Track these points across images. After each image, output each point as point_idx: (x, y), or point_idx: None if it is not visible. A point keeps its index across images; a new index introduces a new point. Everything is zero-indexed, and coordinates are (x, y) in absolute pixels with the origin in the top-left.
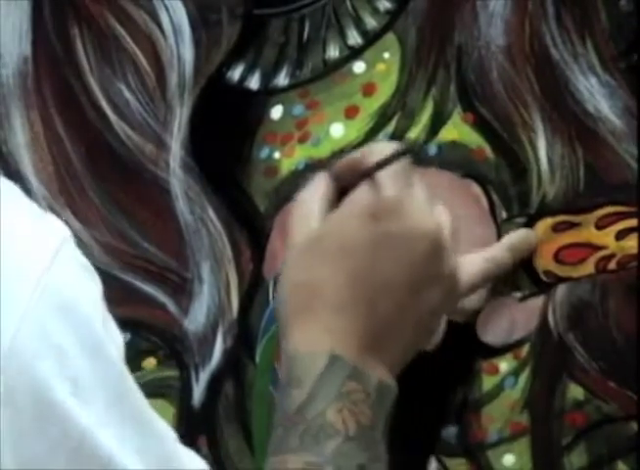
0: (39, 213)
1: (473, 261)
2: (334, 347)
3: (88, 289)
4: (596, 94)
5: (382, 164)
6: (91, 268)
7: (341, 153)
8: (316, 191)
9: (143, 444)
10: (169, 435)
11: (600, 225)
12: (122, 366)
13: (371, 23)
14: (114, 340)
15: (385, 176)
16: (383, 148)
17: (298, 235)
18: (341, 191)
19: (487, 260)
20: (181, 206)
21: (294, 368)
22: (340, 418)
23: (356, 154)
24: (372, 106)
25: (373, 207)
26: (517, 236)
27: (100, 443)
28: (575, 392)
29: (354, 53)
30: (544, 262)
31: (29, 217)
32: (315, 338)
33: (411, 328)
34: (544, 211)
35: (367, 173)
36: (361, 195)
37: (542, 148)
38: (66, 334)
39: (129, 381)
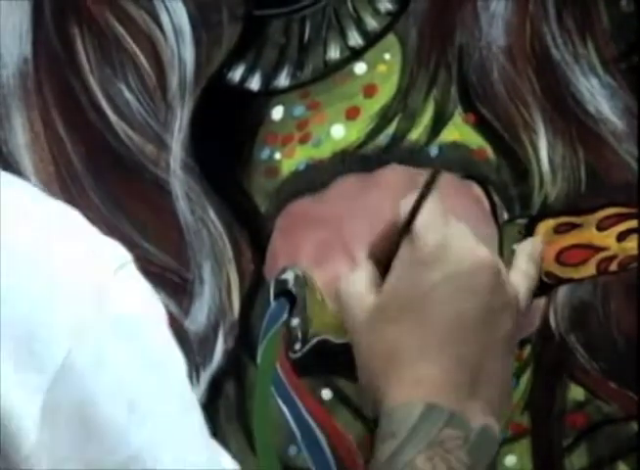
0: (102, 238)
1: (518, 281)
2: (428, 396)
3: (149, 306)
4: (597, 95)
5: (412, 215)
6: (153, 291)
7: (341, 154)
8: (358, 272)
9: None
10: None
11: (601, 226)
12: (185, 385)
13: (372, 23)
14: (178, 358)
15: (419, 227)
16: (407, 203)
17: (357, 314)
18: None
19: (527, 277)
20: (182, 206)
21: (390, 422)
22: (429, 466)
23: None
24: (373, 107)
25: (421, 259)
26: (532, 246)
27: (152, 460)
28: (576, 392)
29: (355, 54)
30: (545, 264)
31: (91, 241)
32: (408, 389)
33: (499, 362)
34: (546, 212)
35: (402, 233)
36: (405, 254)
37: (543, 149)
38: (124, 351)
39: (190, 400)
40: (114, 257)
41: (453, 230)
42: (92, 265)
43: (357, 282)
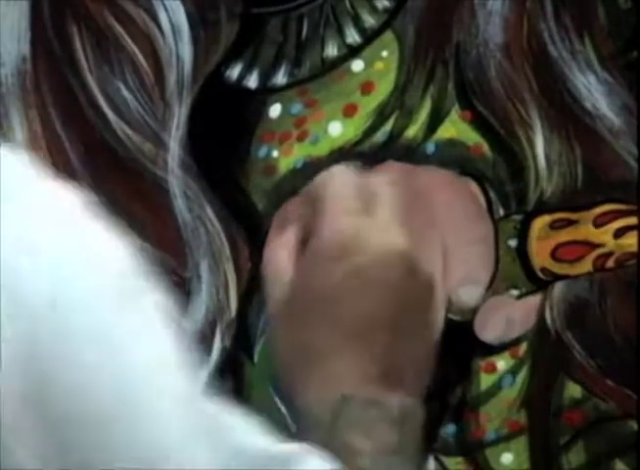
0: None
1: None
2: (343, 388)
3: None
4: (594, 92)
5: None
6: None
7: (339, 151)
8: (283, 240)
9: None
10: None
11: (598, 223)
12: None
13: (369, 21)
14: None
15: (333, 207)
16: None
17: (275, 293)
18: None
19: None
20: (179, 204)
21: (308, 416)
22: (367, 443)
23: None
24: (370, 104)
25: (331, 248)
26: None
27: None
28: (573, 390)
29: (353, 51)
30: (541, 260)
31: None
32: (320, 386)
33: (413, 344)
34: (542, 208)
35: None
36: (318, 238)
37: (540, 145)
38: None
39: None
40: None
41: (374, 214)
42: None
43: (279, 256)
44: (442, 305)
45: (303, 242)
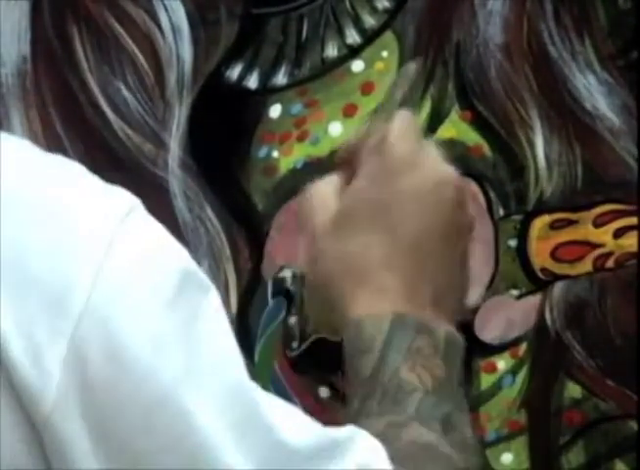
0: (107, 186)
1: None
2: (395, 305)
3: (161, 244)
4: (594, 92)
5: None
6: (166, 231)
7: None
8: (327, 181)
9: (226, 402)
10: (256, 393)
11: (598, 223)
12: (209, 318)
13: (369, 21)
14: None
15: (392, 136)
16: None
17: (322, 218)
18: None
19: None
20: (180, 204)
21: (360, 334)
22: (414, 375)
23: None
24: (370, 104)
25: (390, 166)
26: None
27: (180, 399)
28: (573, 390)
29: (353, 52)
30: (541, 260)
31: (98, 189)
32: (374, 300)
33: (457, 275)
34: (541, 208)
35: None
36: (374, 161)
37: (540, 145)
38: (142, 287)
39: (215, 333)
40: (121, 202)
41: (424, 147)
42: (102, 211)
43: (323, 188)
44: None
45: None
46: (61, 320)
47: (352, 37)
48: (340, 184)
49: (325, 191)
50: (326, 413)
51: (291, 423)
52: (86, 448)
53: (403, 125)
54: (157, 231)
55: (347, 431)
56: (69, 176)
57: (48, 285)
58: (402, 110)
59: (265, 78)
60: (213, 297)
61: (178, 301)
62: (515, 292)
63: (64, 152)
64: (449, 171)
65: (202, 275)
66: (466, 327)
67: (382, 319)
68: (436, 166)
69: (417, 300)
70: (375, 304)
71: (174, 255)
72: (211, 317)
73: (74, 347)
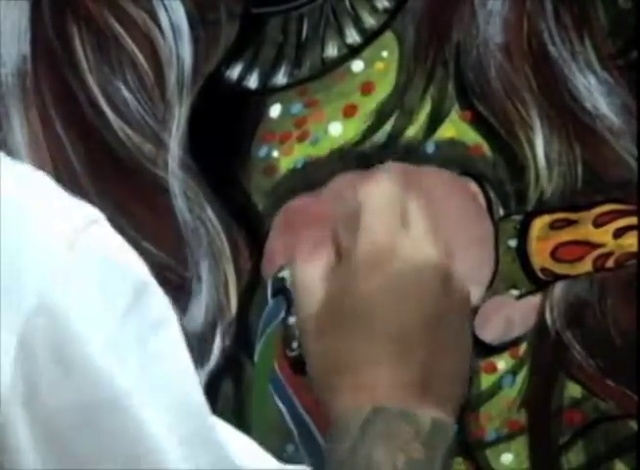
0: (73, 199)
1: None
2: (373, 399)
3: (126, 253)
4: (594, 92)
5: None
6: (128, 246)
7: (339, 151)
8: (315, 260)
9: (179, 416)
10: (205, 409)
11: (598, 223)
12: (165, 333)
13: (369, 21)
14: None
15: (370, 220)
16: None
17: (307, 308)
18: None
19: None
20: (180, 205)
21: (338, 426)
22: (388, 456)
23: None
24: (370, 104)
25: (368, 258)
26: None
27: (132, 406)
28: (573, 390)
29: (353, 51)
30: (541, 260)
31: (65, 198)
32: (353, 395)
33: (449, 360)
34: (542, 208)
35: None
36: (354, 252)
37: (540, 145)
38: (99, 294)
39: (171, 349)
40: (87, 212)
41: (410, 225)
42: (65, 218)
43: (311, 272)
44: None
45: (336, 259)
46: (12, 314)
47: (352, 37)
48: (327, 266)
49: (311, 277)
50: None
51: (242, 447)
52: (29, 447)
53: (379, 199)
54: (119, 244)
55: (299, 467)
56: (38, 184)
57: (4, 278)
58: (379, 172)
59: (265, 78)
60: (171, 314)
61: (134, 312)
62: (515, 292)
63: (64, 152)
64: (430, 257)
65: (160, 291)
66: None
67: (360, 411)
68: (416, 255)
69: (402, 394)
70: (355, 399)
71: (135, 267)
72: (167, 333)
73: (24, 343)
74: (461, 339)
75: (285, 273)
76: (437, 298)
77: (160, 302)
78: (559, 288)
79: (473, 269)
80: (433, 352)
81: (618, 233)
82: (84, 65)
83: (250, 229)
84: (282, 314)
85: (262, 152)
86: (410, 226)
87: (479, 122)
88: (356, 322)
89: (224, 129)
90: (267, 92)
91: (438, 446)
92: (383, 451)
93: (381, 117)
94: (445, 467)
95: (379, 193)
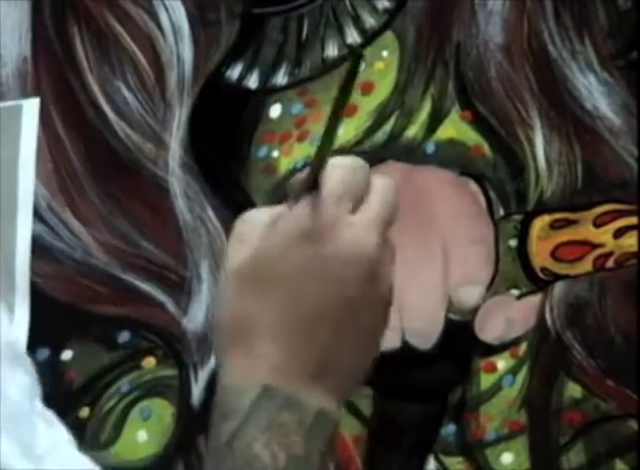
0: None
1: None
2: (266, 377)
3: None
4: (594, 92)
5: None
6: None
7: (340, 151)
8: (261, 212)
9: None
10: None
11: (598, 223)
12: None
13: (370, 21)
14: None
15: (328, 193)
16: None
17: (234, 260)
18: None
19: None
20: (180, 205)
21: (225, 402)
22: (267, 452)
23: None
24: (370, 104)
25: (307, 228)
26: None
27: None
28: (573, 390)
29: (353, 51)
30: (541, 260)
31: None
32: (247, 370)
33: (353, 351)
34: (542, 208)
35: (307, 185)
36: (299, 213)
37: (540, 145)
38: None
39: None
40: None
41: (363, 210)
42: None
43: (249, 222)
44: (393, 324)
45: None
46: None
47: (352, 37)
48: (271, 219)
49: (247, 228)
50: None
51: None
52: None
53: (339, 183)
54: None
55: None
56: None
57: None
58: (349, 158)
59: (265, 78)
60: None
61: None
62: (515, 292)
63: (64, 152)
64: (366, 240)
65: None
66: (466, 327)
67: (249, 390)
68: (353, 235)
69: (295, 372)
70: (248, 369)
71: None
72: None
73: None
74: (371, 333)
75: None
76: (359, 288)
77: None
78: (559, 288)
79: (473, 269)
80: (337, 339)
81: (618, 233)
82: (85, 65)
83: None
84: None
85: (262, 152)
86: (360, 210)
87: (479, 122)
88: (272, 290)
89: (224, 129)
90: (267, 92)
91: (319, 440)
92: (263, 444)
93: (381, 116)
94: (325, 460)
95: (342, 173)
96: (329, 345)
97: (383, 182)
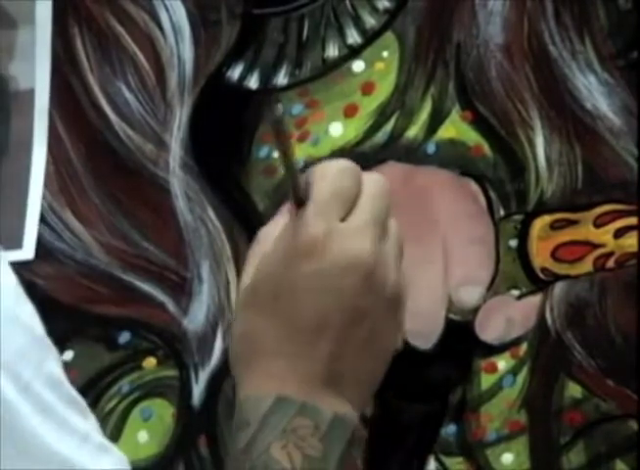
0: None
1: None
2: (279, 389)
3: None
4: (594, 92)
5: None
6: None
7: (340, 152)
8: (274, 228)
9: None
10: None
11: (598, 223)
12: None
13: (370, 21)
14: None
15: (316, 205)
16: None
17: (244, 279)
18: None
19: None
20: (181, 205)
21: (242, 412)
22: (284, 453)
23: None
24: (371, 105)
25: (296, 247)
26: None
27: None
28: (574, 390)
29: (353, 52)
30: (542, 260)
31: None
32: (260, 383)
33: (361, 358)
34: (542, 208)
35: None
36: (290, 232)
37: (540, 145)
38: None
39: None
40: None
41: (345, 224)
42: None
43: (264, 239)
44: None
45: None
46: None
47: (353, 37)
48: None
49: (259, 242)
50: None
51: None
52: None
53: (327, 193)
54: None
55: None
56: None
57: None
58: (336, 163)
59: (266, 79)
60: None
61: None
62: (515, 292)
63: (64, 152)
64: (359, 247)
65: None
66: (466, 327)
67: (263, 400)
68: (346, 244)
69: (305, 382)
70: (260, 386)
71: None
72: None
73: None
74: (379, 338)
75: None
76: (359, 296)
77: None
78: (559, 288)
79: (473, 269)
80: (342, 347)
81: (619, 233)
82: (85, 65)
83: (250, 229)
84: None
85: (263, 152)
86: (352, 215)
87: (479, 122)
88: (276, 308)
89: (225, 130)
90: (268, 92)
91: (337, 442)
92: (280, 447)
93: (381, 117)
94: (344, 462)
95: (329, 180)
96: (335, 354)
97: (373, 181)
